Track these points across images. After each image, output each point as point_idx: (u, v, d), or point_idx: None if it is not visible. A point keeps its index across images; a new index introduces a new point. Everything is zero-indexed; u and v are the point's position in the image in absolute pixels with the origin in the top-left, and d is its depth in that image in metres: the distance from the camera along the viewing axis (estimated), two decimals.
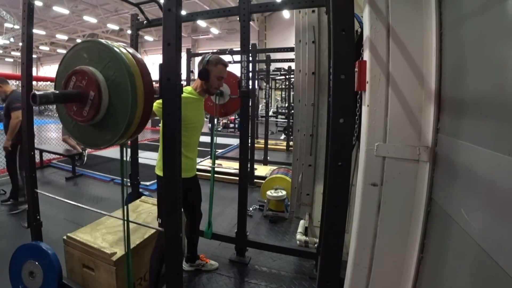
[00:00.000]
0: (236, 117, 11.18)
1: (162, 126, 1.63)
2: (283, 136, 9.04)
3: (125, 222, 1.36)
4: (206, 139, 4.43)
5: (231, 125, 11.80)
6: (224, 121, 11.58)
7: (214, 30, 17.72)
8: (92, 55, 1.06)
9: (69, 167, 4.95)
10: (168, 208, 1.24)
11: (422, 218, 1.05)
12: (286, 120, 8.04)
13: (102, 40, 1.08)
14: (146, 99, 1.06)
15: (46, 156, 5.48)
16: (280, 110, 11.63)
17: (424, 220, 1.05)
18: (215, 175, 4.50)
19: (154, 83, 1.42)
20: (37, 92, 0.96)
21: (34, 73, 2.02)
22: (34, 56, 15.82)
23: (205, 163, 5.15)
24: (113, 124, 1.05)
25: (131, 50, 1.09)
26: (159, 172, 1.80)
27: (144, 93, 1.04)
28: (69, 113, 1.08)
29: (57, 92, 1.04)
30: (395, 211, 1.10)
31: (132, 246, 1.84)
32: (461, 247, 0.85)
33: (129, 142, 2.73)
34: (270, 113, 9.70)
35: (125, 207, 1.33)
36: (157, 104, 1.66)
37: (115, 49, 1.03)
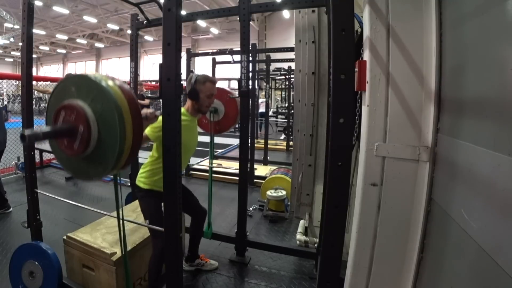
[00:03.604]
0: None
1: (160, 136, 1.64)
2: (283, 136, 9.04)
3: (120, 222, 1.36)
4: (205, 139, 4.43)
5: None
6: None
7: (214, 30, 17.71)
8: (80, 89, 1.07)
9: None
10: (168, 208, 1.24)
11: (422, 218, 1.05)
12: (286, 120, 8.04)
13: (90, 74, 1.08)
14: (135, 130, 1.06)
15: (46, 156, 5.47)
16: (280, 110, 11.61)
17: (424, 220, 1.05)
18: (216, 175, 4.53)
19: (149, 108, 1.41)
20: (26, 132, 0.95)
21: (34, 73, 2.01)
22: (34, 56, 15.81)
23: (204, 163, 5.15)
24: (104, 157, 1.05)
25: (117, 81, 1.09)
26: (140, 184, 1.85)
27: (132, 125, 1.04)
28: (60, 147, 1.09)
29: (47, 129, 1.03)
30: (395, 211, 1.10)
31: (132, 246, 1.85)
32: (461, 247, 0.85)
33: None
34: (270, 113, 9.70)
35: (121, 208, 1.33)
36: (150, 128, 1.66)
37: (101, 82, 1.04)
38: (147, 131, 1.68)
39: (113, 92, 1.02)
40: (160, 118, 1.56)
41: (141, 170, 1.90)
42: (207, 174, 4.46)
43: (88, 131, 1.01)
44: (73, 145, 1.04)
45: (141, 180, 1.86)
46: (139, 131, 1.09)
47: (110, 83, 1.05)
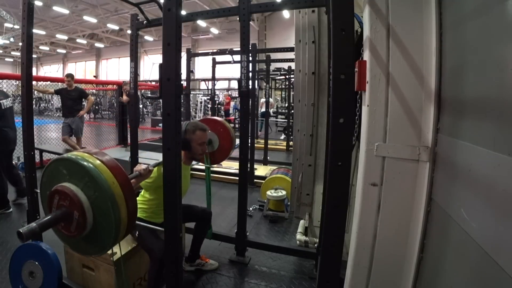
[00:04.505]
0: (236, 116, 11.17)
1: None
2: (283, 136, 9.04)
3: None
4: None
5: (231, 125, 11.79)
6: None
7: (214, 30, 17.71)
8: (72, 172, 1.08)
9: None
10: (168, 208, 1.24)
11: (422, 218, 1.05)
12: (286, 120, 8.04)
13: (79, 159, 1.06)
14: (129, 210, 1.07)
15: (46, 156, 5.47)
16: (280, 110, 11.62)
17: (424, 220, 1.05)
18: (216, 175, 4.53)
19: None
20: (22, 230, 0.95)
21: (34, 73, 2.01)
22: (34, 56, 15.81)
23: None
24: (101, 238, 1.08)
25: (105, 158, 1.08)
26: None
27: (126, 206, 1.05)
28: (58, 228, 1.10)
29: (42, 221, 1.04)
30: (395, 211, 1.10)
31: (132, 246, 1.86)
32: (461, 247, 0.85)
33: (129, 142, 2.73)
34: (270, 113, 9.69)
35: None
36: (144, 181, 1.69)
37: (91, 167, 1.03)
38: (141, 183, 1.72)
39: (105, 177, 1.02)
40: (154, 169, 1.65)
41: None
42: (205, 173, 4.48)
43: (83, 217, 1.03)
44: (70, 228, 1.06)
45: None
46: (133, 208, 1.10)
47: (101, 165, 1.05)
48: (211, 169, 4.58)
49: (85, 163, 1.05)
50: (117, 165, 1.10)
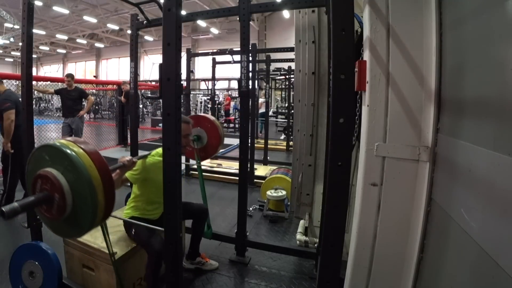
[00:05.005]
0: (236, 116, 11.19)
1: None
2: (283, 136, 9.04)
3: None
4: None
5: (231, 125, 11.81)
6: None
7: (214, 30, 17.71)
8: (53, 158, 1.13)
9: None
10: (168, 208, 1.24)
11: (422, 218, 1.05)
12: (286, 120, 8.04)
13: (59, 144, 1.12)
14: (106, 194, 1.11)
15: None
16: (280, 110, 11.62)
17: (424, 220, 1.05)
18: (216, 175, 4.54)
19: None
20: (4, 208, 0.99)
21: (34, 73, 2.01)
22: (34, 56, 15.81)
23: (204, 163, 5.14)
24: (80, 219, 1.13)
25: (87, 148, 1.13)
26: (125, 217, 1.93)
27: (103, 191, 1.10)
28: (41, 211, 1.15)
29: (24, 202, 1.08)
30: (395, 211, 1.10)
31: (132, 246, 1.86)
32: (461, 247, 0.85)
33: (129, 142, 2.74)
34: (270, 113, 9.69)
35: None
36: (130, 172, 1.75)
37: (71, 153, 1.09)
38: (127, 174, 1.76)
39: (83, 161, 1.07)
40: (139, 161, 1.71)
41: (126, 207, 2.02)
42: (208, 174, 4.49)
43: (63, 199, 1.07)
44: (51, 210, 1.11)
45: (126, 216, 1.95)
46: (110, 192, 1.14)
47: (80, 150, 1.09)
48: (212, 169, 4.61)
49: (65, 149, 1.10)
50: (95, 151, 1.14)
